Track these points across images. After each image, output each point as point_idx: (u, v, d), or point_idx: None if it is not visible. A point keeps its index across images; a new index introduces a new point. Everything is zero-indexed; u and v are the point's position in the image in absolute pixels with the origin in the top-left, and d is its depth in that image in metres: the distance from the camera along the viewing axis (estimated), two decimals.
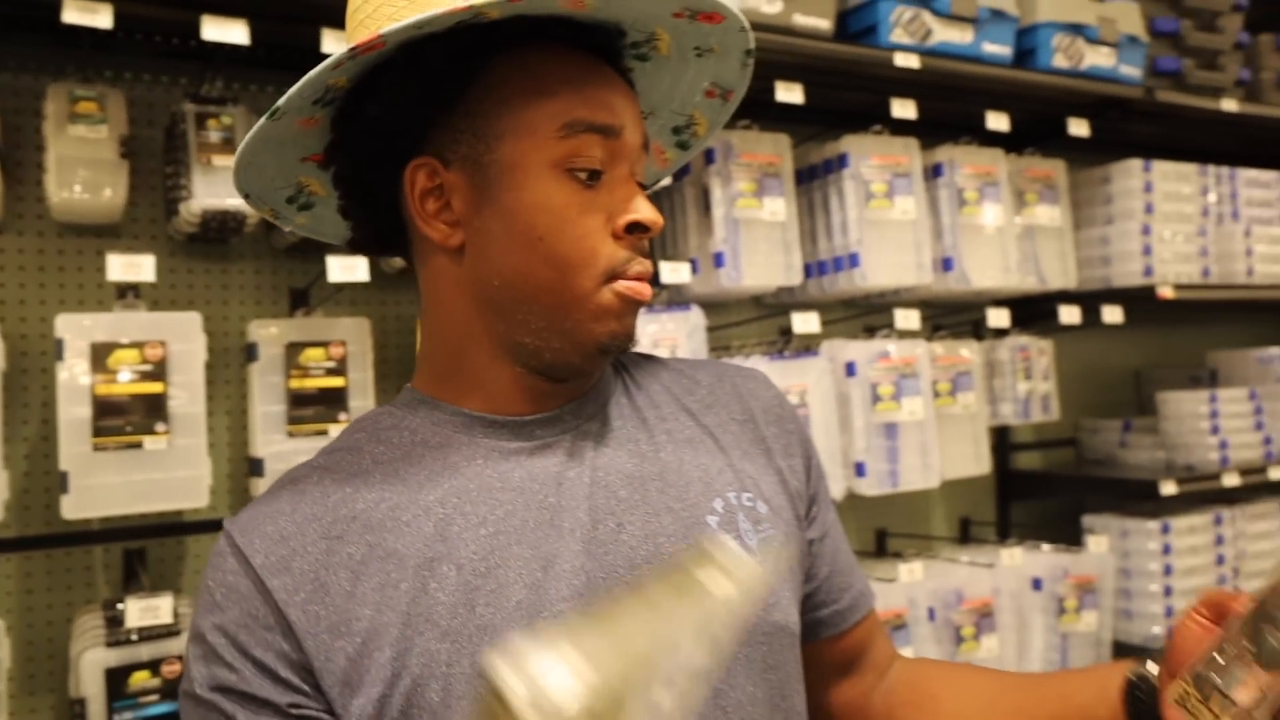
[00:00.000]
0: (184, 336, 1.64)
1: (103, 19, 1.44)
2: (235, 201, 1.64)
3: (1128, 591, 2.57)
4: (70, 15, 1.42)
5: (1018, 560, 2.37)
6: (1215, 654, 0.67)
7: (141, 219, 1.82)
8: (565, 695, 0.49)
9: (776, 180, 2.12)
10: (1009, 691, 0.89)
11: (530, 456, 0.79)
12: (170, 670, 1.59)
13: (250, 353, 1.77)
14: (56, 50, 1.74)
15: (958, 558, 2.42)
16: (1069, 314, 2.45)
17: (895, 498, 2.47)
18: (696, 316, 2.01)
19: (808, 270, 2.24)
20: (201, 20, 1.50)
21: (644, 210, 0.77)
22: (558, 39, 0.78)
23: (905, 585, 2.19)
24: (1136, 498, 2.63)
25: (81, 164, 1.62)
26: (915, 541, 2.56)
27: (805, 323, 2.08)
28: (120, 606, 1.59)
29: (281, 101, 0.73)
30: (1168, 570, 2.52)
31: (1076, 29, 2.32)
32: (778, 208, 2.12)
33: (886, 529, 2.57)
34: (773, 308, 2.38)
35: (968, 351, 2.35)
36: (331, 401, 1.77)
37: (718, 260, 2.06)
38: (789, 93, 2.00)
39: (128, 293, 1.72)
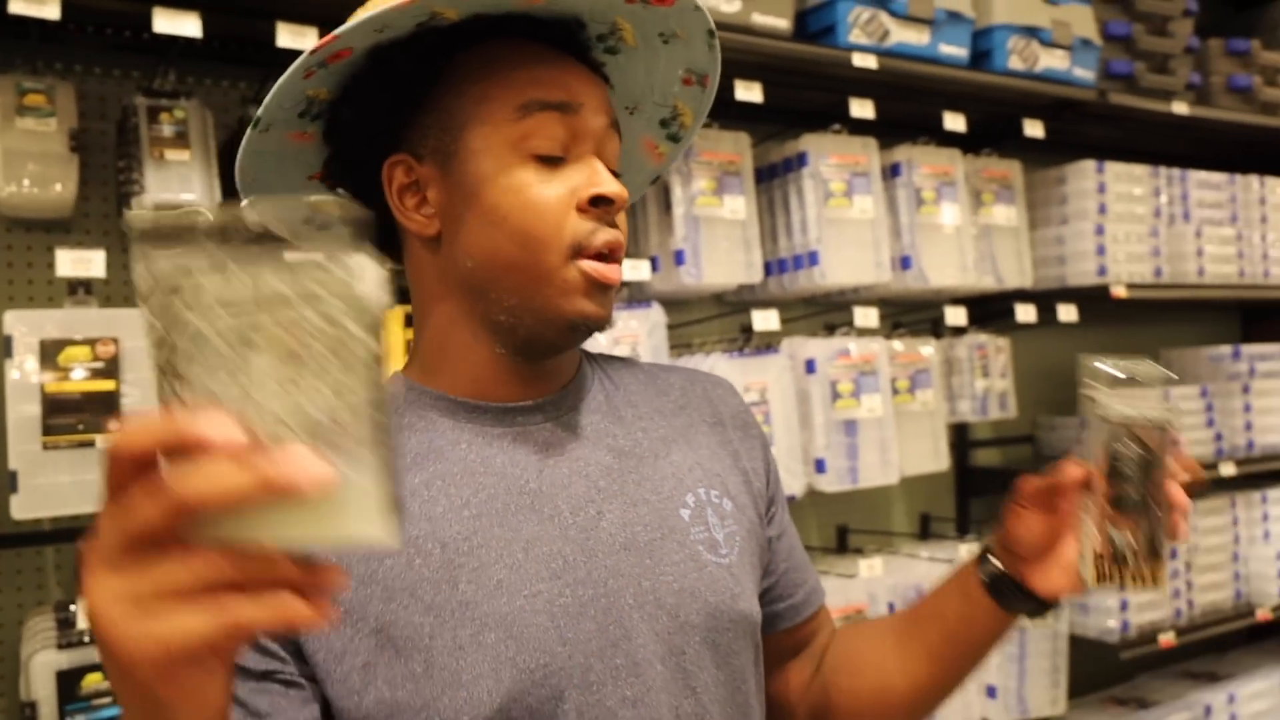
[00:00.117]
0: (137, 333, 1.61)
1: (50, 10, 1.42)
2: (188, 196, 1.62)
3: None
4: (17, 6, 1.40)
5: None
6: (1093, 528, 0.86)
7: (93, 214, 1.79)
8: None
9: (736, 179, 2.13)
10: (905, 629, 0.98)
11: (513, 443, 0.82)
12: None
13: None
14: (4, 42, 1.70)
15: (918, 553, 2.44)
16: (1025, 313, 2.48)
17: (855, 494, 2.49)
18: (657, 314, 2.02)
19: (768, 268, 2.25)
20: (153, 12, 1.48)
21: (607, 183, 0.80)
22: (519, 34, 0.81)
23: (865, 581, 2.21)
24: None
25: (30, 158, 1.59)
26: (876, 537, 2.58)
27: (765, 320, 2.09)
28: (72, 608, 1.56)
29: (260, 111, 0.77)
30: None
31: (1031, 31, 2.35)
32: (738, 206, 2.13)
33: (847, 525, 2.59)
34: (733, 305, 2.39)
35: (926, 349, 2.38)
36: None
37: (678, 258, 2.06)
38: (748, 91, 2.01)
39: (78, 289, 1.69)
